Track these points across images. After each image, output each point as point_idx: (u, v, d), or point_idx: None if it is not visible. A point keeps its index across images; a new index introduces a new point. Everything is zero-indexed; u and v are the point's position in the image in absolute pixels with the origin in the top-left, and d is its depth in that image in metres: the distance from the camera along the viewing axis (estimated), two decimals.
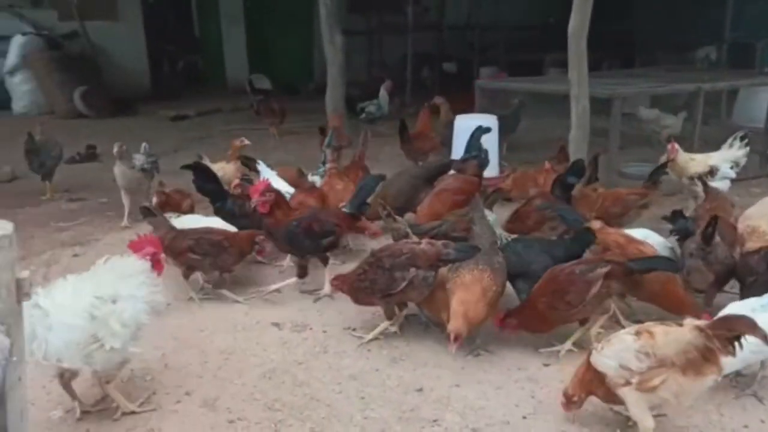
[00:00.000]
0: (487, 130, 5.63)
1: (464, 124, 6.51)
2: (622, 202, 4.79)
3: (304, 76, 14.98)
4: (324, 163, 5.67)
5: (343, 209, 4.45)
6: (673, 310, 3.47)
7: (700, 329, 2.52)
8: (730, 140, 5.47)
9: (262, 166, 5.56)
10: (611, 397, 2.73)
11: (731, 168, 5.33)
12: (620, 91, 6.08)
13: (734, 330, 2.48)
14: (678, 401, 2.59)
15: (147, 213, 4.39)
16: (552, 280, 3.42)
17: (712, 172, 5.18)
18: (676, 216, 4.13)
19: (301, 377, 3.41)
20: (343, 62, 8.52)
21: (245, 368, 3.50)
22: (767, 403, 3.09)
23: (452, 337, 3.18)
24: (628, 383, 2.59)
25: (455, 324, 3.22)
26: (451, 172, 5.33)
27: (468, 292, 3.34)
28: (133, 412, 3.04)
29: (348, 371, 3.46)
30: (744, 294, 3.54)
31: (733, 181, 5.39)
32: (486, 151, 5.41)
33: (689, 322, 2.63)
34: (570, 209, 4.33)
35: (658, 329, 2.61)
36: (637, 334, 2.63)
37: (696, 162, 5.31)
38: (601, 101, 6.09)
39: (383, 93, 9.85)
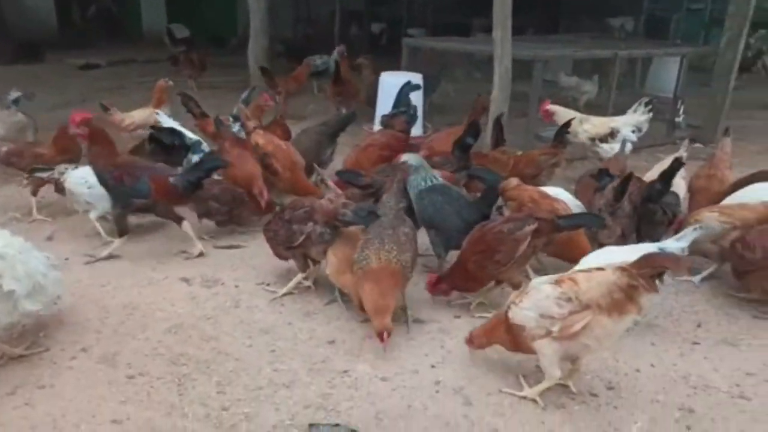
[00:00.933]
0: (416, 87, 5.57)
1: (390, 81, 6.43)
2: (534, 163, 4.90)
3: (228, 29, 14.32)
4: (235, 118, 5.34)
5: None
6: (577, 262, 3.58)
7: (623, 269, 2.55)
8: (635, 106, 5.67)
9: (162, 116, 5.28)
10: (518, 347, 2.80)
11: (633, 132, 5.53)
12: (542, 53, 6.16)
13: (657, 267, 2.50)
14: (599, 344, 2.64)
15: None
16: (480, 239, 3.39)
17: (612, 134, 5.35)
18: (602, 174, 4.28)
19: (209, 332, 3.30)
20: (266, 13, 8.16)
21: (149, 323, 3.35)
22: (658, 345, 3.28)
23: (383, 336, 3.00)
24: (548, 333, 2.63)
25: (379, 323, 3.01)
26: (378, 127, 5.30)
27: (379, 284, 3.09)
28: (21, 356, 2.86)
29: (259, 325, 3.38)
30: None
31: (642, 147, 5.65)
32: (414, 107, 5.36)
33: (611, 265, 2.68)
34: (486, 169, 4.35)
35: (579, 275, 2.65)
36: (557, 282, 2.66)
37: (595, 125, 5.45)
38: (524, 66, 6.16)
39: (334, 55, 9.91)
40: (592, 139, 5.36)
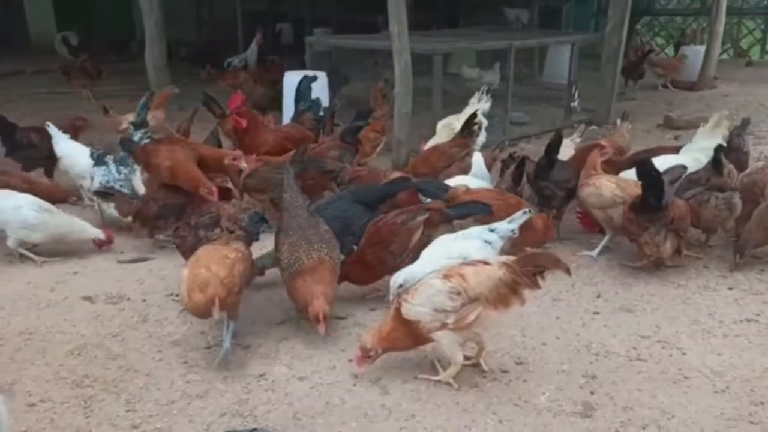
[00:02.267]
0: (313, 78, 5.55)
1: (293, 80, 6.36)
2: (446, 156, 5.01)
3: (127, 33, 13.68)
4: (137, 126, 5.13)
5: None
6: None
7: (508, 266, 2.70)
8: (477, 94, 5.84)
9: (52, 129, 5.04)
10: (418, 341, 2.82)
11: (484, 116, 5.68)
12: (440, 47, 6.31)
13: (539, 265, 2.70)
14: (488, 332, 2.83)
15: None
16: (376, 232, 3.48)
17: (479, 126, 5.45)
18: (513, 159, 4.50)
19: (115, 350, 3.16)
20: (161, 17, 7.86)
21: (49, 347, 3.17)
22: (563, 318, 3.46)
23: (320, 318, 2.98)
24: (444, 325, 2.72)
25: (317, 306, 2.99)
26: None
27: (313, 276, 3.08)
28: None
29: (170, 338, 3.27)
30: None
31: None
32: (318, 102, 5.34)
33: (497, 260, 2.82)
34: (431, 181, 4.28)
35: (467, 270, 2.74)
36: (446, 277, 2.74)
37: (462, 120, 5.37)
38: (427, 62, 6.28)
39: (253, 46, 9.82)
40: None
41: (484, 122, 5.79)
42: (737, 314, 3.48)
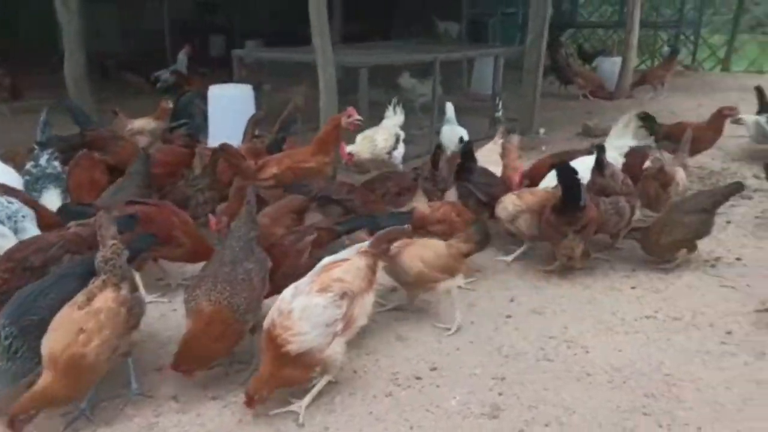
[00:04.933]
0: (196, 95, 5.47)
1: (218, 94, 6.32)
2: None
3: (48, 45, 13.15)
4: (41, 145, 4.68)
5: None
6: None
7: (363, 252, 2.96)
8: (390, 109, 5.95)
9: None
10: (306, 374, 2.75)
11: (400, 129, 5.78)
12: (366, 60, 6.41)
13: (391, 240, 3.07)
14: (366, 318, 2.95)
15: None
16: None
17: (398, 140, 5.58)
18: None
19: None
20: (80, 27, 7.62)
21: None
22: (477, 323, 3.57)
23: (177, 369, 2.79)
24: (334, 336, 2.72)
25: (179, 369, 2.81)
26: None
27: (205, 330, 2.79)
28: None
29: None
30: None
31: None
32: (197, 118, 5.23)
33: (352, 250, 2.98)
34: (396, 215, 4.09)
35: (337, 273, 2.80)
36: (321, 289, 2.73)
37: (385, 137, 5.53)
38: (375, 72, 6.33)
39: (182, 57, 9.56)
40: (389, 152, 5.49)
41: (402, 134, 5.91)
42: (638, 312, 3.68)
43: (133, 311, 2.78)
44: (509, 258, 4.39)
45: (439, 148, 5.03)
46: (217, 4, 15.06)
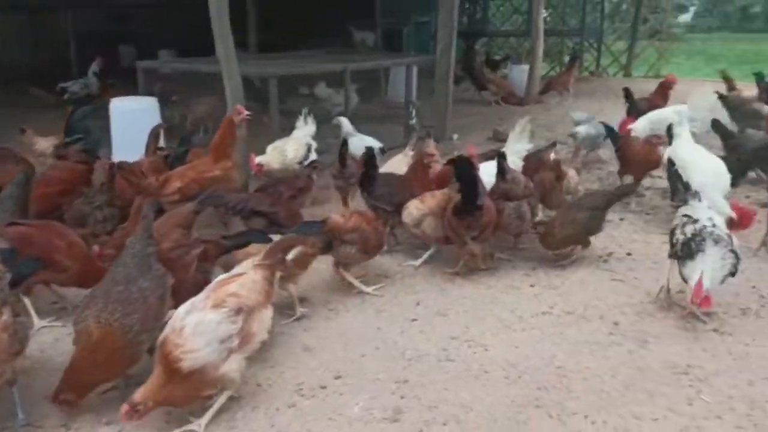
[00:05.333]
0: (90, 111, 5.29)
1: (121, 107, 6.11)
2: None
3: None
4: None
5: None
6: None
7: (259, 265, 2.93)
8: (301, 119, 6.01)
9: None
10: (200, 391, 2.69)
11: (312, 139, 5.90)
12: (273, 70, 6.38)
13: (285, 249, 3.05)
14: (266, 333, 2.92)
15: None
16: None
17: (309, 150, 5.66)
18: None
19: None
20: None
21: None
22: (383, 328, 3.62)
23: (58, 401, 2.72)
24: (230, 352, 2.69)
25: (60, 396, 2.72)
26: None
27: (92, 355, 2.70)
28: None
29: None
30: None
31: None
32: (95, 133, 5.05)
33: (248, 265, 2.95)
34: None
35: (231, 287, 2.78)
36: (215, 305, 2.69)
37: (295, 147, 5.60)
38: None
39: (94, 67, 9.18)
40: (300, 162, 5.52)
41: (313, 144, 5.94)
42: (535, 308, 3.85)
43: (17, 337, 2.64)
44: (417, 262, 4.48)
45: (345, 144, 5.18)
46: (129, 14, 14.56)
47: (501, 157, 4.47)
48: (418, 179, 4.77)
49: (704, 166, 4.72)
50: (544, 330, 3.61)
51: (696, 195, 3.81)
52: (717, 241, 3.44)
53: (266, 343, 3.38)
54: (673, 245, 3.65)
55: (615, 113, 10.04)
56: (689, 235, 3.52)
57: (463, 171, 4.04)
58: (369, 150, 4.62)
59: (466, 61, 12.98)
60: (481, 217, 4.02)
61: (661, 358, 3.26)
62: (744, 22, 37.34)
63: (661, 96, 8.36)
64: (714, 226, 3.54)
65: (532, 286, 4.16)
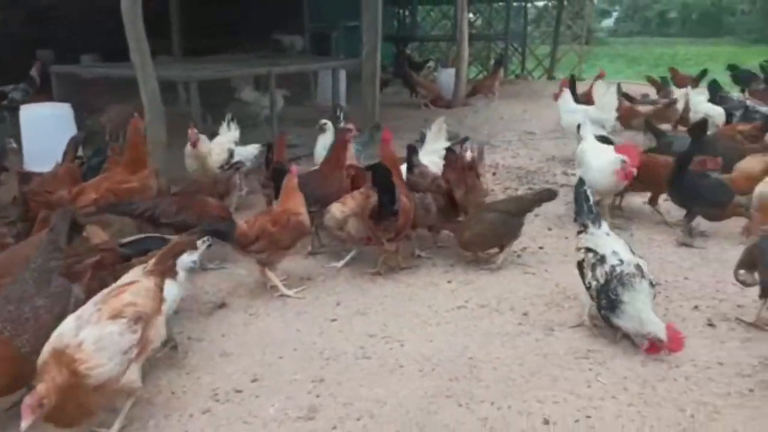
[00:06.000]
0: None
1: (32, 114, 5.88)
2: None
3: None
4: None
5: None
6: None
7: (149, 272, 2.90)
8: (224, 125, 6.02)
9: None
10: (92, 410, 2.58)
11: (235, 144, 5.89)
12: (194, 74, 6.30)
13: (174, 255, 3.04)
14: (159, 340, 2.89)
15: None
16: None
17: (231, 155, 5.63)
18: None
19: None
20: None
21: None
22: (302, 330, 3.66)
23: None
24: (129, 362, 2.64)
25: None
26: None
27: None
28: None
29: None
30: None
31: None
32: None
33: (135, 273, 2.91)
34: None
35: (127, 296, 2.72)
36: (113, 316, 2.61)
37: (218, 152, 5.59)
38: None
39: (34, 72, 8.70)
40: (221, 167, 5.47)
41: (236, 149, 5.91)
42: (451, 303, 3.98)
43: None
44: (339, 264, 4.54)
45: (270, 149, 5.13)
46: (49, 16, 13.92)
47: (410, 151, 4.60)
48: (333, 174, 4.87)
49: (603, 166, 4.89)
50: (458, 323, 3.73)
51: (597, 219, 3.58)
52: (632, 280, 3.25)
53: (184, 349, 3.41)
54: (587, 287, 3.45)
55: (539, 114, 10.53)
56: (602, 282, 3.31)
57: (381, 177, 4.08)
58: (280, 166, 4.61)
59: (397, 65, 13.19)
60: (396, 221, 4.11)
61: (565, 345, 3.44)
62: (662, 27, 39.58)
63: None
64: (621, 262, 3.32)
65: (449, 282, 4.29)
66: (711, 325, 3.60)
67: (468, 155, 5.19)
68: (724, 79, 9.55)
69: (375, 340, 3.58)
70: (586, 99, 7.93)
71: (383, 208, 4.08)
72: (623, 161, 4.70)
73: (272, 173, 4.72)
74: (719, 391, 2.99)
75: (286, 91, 8.95)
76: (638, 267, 3.33)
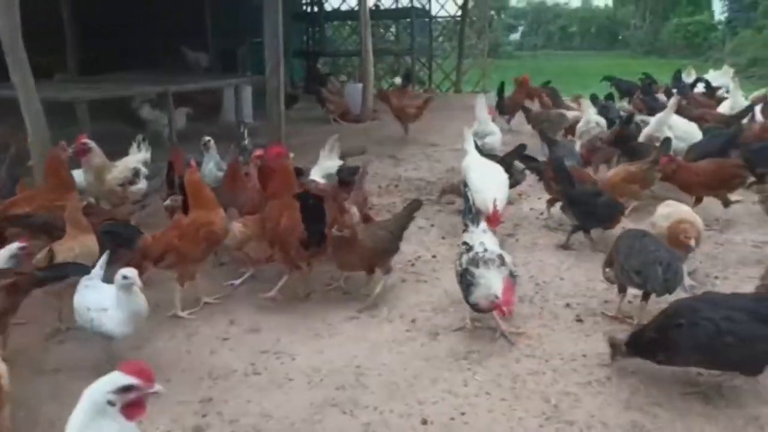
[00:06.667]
0: None
1: None
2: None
3: None
4: None
5: None
6: None
7: None
8: (134, 145, 5.96)
9: None
10: None
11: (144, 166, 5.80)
12: (83, 95, 6.12)
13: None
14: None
15: None
16: None
17: (137, 174, 5.55)
18: None
19: None
20: None
21: None
22: (192, 351, 3.64)
23: None
24: None
25: None
26: None
27: None
28: None
29: None
30: None
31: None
32: None
33: None
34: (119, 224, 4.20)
35: None
36: None
37: (121, 170, 5.51)
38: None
39: None
40: (122, 185, 5.42)
41: (143, 170, 5.81)
42: (344, 315, 4.08)
43: None
44: (236, 282, 4.54)
45: (171, 169, 5.10)
46: None
47: (297, 173, 4.70)
48: (233, 188, 4.90)
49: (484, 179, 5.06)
50: (349, 334, 3.84)
51: (476, 219, 3.92)
52: (487, 263, 3.52)
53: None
54: (457, 275, 3.72)
55: (444, 126, 10.90)
56: (464, 266, 3.60)
57: (309, 205, 3.96)
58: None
59: (308, 80, 13.28)
60: (326, 249, 4.08)
61: (447, 348, 3.63)
62: (564, 41, 41.96)
63: (521, 93, 9.99)
64: (485, 250, 3.62)
65: (345, 294, 4.39)
66: (579, 320, 3.90)
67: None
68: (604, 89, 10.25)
69: (266, 356, 3.62)
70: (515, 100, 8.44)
71: (311, 237, 3.99)
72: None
73: (180, 187, 4.66)
74: (581, 381, 3.26)
75: (189, 109, 8.85)
76: (500, 257, 3.61)
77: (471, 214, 4.02)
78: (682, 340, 2.94)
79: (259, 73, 11.67)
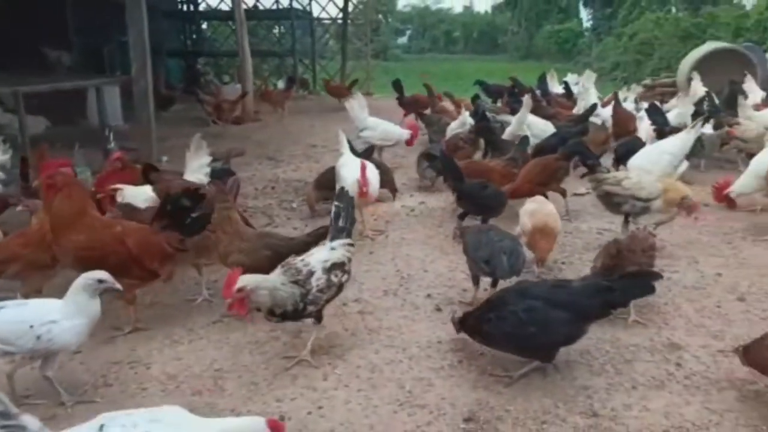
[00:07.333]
0: None
1: None
2: None
3: None
4: None
5: None
6: None
7: None
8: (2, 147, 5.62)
9: None
10: None
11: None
12: None
13: None
14: None
15: None
16: None
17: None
18: None
19: None
20: None
21: None
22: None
23: None
24: None
25: None
26: None
27: None
28: None
29: None
30: None
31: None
32: None
33: None
34: None
35: None
36: None
37: None
38: None
39: None
40: None
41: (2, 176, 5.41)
42: (207, 319, 3.99)
43: None
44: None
45: (24, 161, 4.96)
46: None
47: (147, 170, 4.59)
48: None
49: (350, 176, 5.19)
50: (210, 338, 3.77)
51: (343, 231, 3.71)
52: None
53: None
54: None
55: (326, 127, 10.95)
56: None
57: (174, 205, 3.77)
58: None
59: (187, 81, 12.81)
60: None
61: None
62: (449, 45, 43.59)
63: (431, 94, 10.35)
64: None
65: (210, 301, 4.27)
66: (438, 309, 4.08)
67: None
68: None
69: (119, 366, 3.47)
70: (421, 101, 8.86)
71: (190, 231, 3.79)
72: (357, 181, 5.03)
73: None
74: (434, 366, 3.42)
75: (48, 122, 8.23)
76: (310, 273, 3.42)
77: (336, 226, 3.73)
78: (492, 332, 3.24)
79: (127, 73, 11.11)
